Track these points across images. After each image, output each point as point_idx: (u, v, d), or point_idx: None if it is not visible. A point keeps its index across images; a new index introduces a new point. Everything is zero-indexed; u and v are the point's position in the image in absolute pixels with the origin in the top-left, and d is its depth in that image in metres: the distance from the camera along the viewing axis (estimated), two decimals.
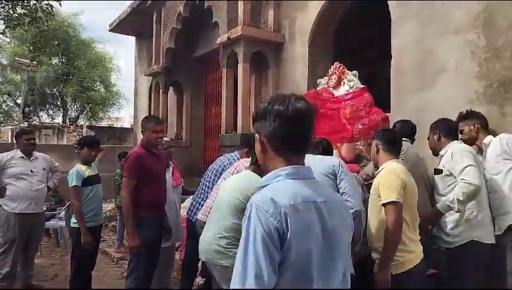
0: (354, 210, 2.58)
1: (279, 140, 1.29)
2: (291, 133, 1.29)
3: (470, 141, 3.28)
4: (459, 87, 3.99)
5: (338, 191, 2.74)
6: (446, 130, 3.23)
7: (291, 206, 1.18)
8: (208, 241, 2.80)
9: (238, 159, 3.72)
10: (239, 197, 2.64)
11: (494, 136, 3.20)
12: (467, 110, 3.40)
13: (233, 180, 2.91)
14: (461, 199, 2.75)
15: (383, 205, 2.51)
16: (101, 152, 4.72)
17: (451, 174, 2.96)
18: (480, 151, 3.28)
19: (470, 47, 3.94)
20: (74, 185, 4.08)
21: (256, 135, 1.35)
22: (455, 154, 2.95)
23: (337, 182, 2.84)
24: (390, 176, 2.58)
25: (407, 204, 2.53)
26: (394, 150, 2.80)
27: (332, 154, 3.35)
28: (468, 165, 2.83)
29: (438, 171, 3.08)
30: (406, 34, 4.55)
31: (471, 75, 3.91)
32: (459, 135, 3.31)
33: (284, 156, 1.30)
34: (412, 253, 2.54)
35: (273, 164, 1.32)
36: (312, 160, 2.58)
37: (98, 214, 4.27)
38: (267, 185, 1.29)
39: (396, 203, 2.47)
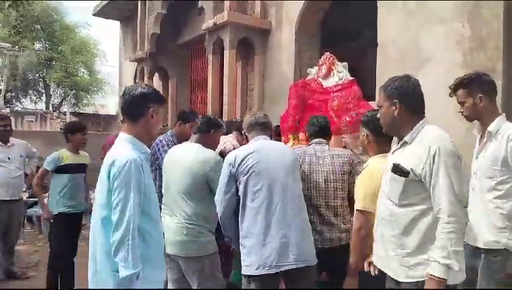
0: None
1: None
2: None
3: (472, 118, 2.54)
4: (443, 76, 4.00)
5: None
6: (414, 99, 2.06)
7: None
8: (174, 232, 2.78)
9: (172, 136, 3.73)
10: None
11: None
12: (465, 76, 2.55)
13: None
14: (458, 249, 1.83)
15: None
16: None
17: (422, 181, 1.93)
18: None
19: (454, 37, 3.96)
20: (43, 168, 4.16)
21: None
22: (443, 159, 1.88)
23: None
24: (365, 180, 2.44)
25: None
26: (385, 140, 2.50)
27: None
28: (454, 191, 1.86)
29: (401, 172, 1.97)
30: (392, 23, 4.55)
31: (456, 64, 3.93)
32: (459, 107, 2.55)
33: None
34: None
35: None
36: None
37: (75, 203, 4.21)
38: None
39: (361, 212, 2.39)
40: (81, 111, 27.75)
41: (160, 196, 2.87)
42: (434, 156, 1.88)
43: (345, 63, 4.33)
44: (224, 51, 6.36)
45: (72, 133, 4.23)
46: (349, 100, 4.11)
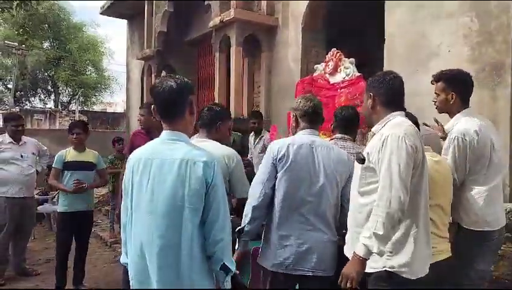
0: None
1: None
2: None
3: (441, 111, 2.64)
4: None
5: None
6: (388, 93, 2.08)
7: None
8: None
9: None
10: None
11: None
12: (449, 70, 2.61)
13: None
14: (379, 233, 1.83)
15: None
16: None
17: (375, 169, 1.96)
18: None
19: (462, 30, 3.93)
20: (54, 167, 4.26)
21: None
22: (389, 144, 1.89)
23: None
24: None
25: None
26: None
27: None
28: (390, 175, 1.85)
29: (360, 159, 2.04)
30: (399, 17, 4.53)
31: (464, 58, 3.90)
32: (435, 96, 2.63)
33: None
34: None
35: None
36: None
37: (74, 201, 4.23)
38: None
39: None
40: (89, 109, 27.97)
41: None
42: (383, 142, 1.91)
43: (352, 59, 4.32)
44: (231, 48, 6.37)
45: (68, 133, 4.35)
46: (357, 96, 4.10)
